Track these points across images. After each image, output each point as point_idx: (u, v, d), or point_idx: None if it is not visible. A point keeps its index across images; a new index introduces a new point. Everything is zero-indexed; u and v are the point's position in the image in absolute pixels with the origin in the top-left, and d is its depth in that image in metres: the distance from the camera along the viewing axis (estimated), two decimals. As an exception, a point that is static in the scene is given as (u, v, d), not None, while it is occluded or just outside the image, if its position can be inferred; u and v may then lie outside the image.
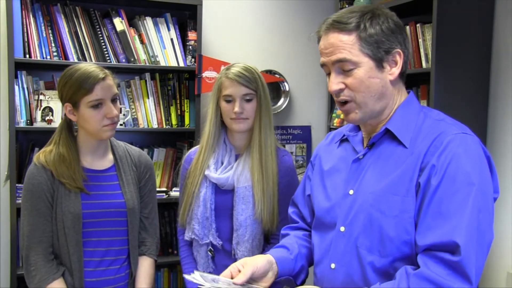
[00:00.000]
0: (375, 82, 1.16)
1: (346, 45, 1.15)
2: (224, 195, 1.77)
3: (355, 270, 1.18)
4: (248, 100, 1.73)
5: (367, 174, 1.21)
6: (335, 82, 1.18)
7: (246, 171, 1.74)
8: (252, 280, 1.24)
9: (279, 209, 1.74)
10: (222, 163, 1.78)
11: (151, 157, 2.74)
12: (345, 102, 1.20)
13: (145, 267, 1.76)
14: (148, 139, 2.93)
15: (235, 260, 1.71)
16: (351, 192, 1.22)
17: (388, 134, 1.20)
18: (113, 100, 1.63)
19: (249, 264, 1.25)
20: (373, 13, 1.17)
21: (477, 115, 2.30)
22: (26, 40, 2.47)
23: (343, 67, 1.17)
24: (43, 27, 2.52)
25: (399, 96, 1.23)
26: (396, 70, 1.18)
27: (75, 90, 1.58)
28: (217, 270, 1.74)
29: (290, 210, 1.51)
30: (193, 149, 1.91)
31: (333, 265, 1.24)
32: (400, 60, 1.17)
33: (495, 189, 1.15)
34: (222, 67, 2.76)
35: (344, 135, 1.35)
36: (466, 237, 1.03)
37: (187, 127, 2.80)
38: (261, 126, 1.74)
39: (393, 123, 1.19)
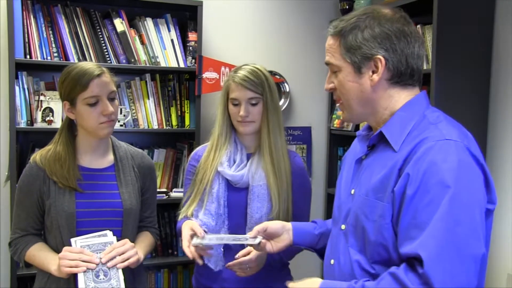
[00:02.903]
0: (354, 86, 1.20)
1: (331, 48, 1.22)
2: (237, 192, 1.77)
3: (347, 267, 1.22)
4: (254, 104, 1.74)
5: (362, 176, 1.24)
6: (327, 82, 1.27)
7: (260, 170, 1.76)
8: (267, 237, 1.49)
9: (293, 210, 1.77)
10: (234, 161, 1.80)
11: (151, 158, 2.74)
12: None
13: (143, 234, 1.80)
14: (148, 139, 2.93)
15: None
16: (352, 191, 1.26)
17: (383, 137, 1.21)
18: (111, 98, 1.63)
19: (265, 222, 1.52)
20: (362, 17, 1.18)
21: (478, 116, 2.30)
22: (26, 40, 2.48)
23: (331, 69, 1.25)
24: (43, 28, 2.52)
25: (394, 101, 1.21)
26: (376, 77, 1.17)
27: (71, 87, 1.59)
28: (226, 268, 1.75)
29: None
30: (200, 147, 1.92)
31: (332, 261, 1.28)
32: (381, 67, 1.16)
33: (490, 200, 1.11)
34: (223, 68, 2.78)
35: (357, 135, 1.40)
36: (432, 250, 1.01)
37: (187, 128, 2.80)
38: (269, 128, 1.76)
39: (388, 126, 1.20)
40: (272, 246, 1.50)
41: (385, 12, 1.20)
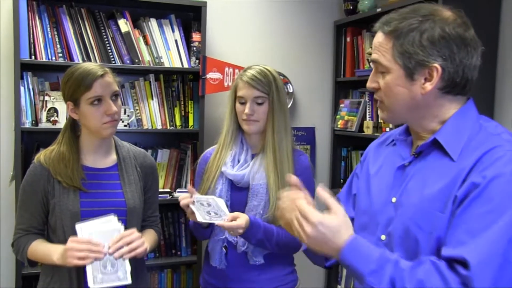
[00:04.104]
0: (402, 91, 1.12)
1: (382, 47, 1.13)
2: (239, 192, 1.78)
3: None
4: (260, 103, 1.76)
5: (410, 184, 1.16)
6: (371, 80, 1.18)
7: (262, 170, 1.77)
8: None
9: None
10: (238, 161, 1.81)
11: (155, 158, 2.75)
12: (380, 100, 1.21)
13: (147, 230, 1.80)
14: (152, 140, 2.94)
15: (246, 256, 1.75)
16: (393, 200, 1.18)
17: (437, 145, 1.13)
18: (114, 98, 1.64)
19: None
20: (422, 19, 1.09)
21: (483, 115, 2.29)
22: (32, 41, 2.49)
23: (378, 68, 1.15)
24: (48, 29, 2.54)
25: (444, 109, 1.14)
26: (429, 86, 1.09)
27: (75, 87, 1.60)
28: (230, 267, 1.77)
29: None
30: (210, 148, 1.95)
31: None
32: (436, 76, 1.08)
33: None
34: (227, 69, 2.79)
35: (393, 139, 1.30)
36: (482, 259, 0.97)
37: (191, 128, 2.81)
38: (274, 128, 1.77)
39: (443, 133, 1.12)
40: None
41: (447, 15, 1.10)
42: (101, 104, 1.61)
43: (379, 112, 1.23)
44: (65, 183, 1.61)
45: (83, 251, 1.48)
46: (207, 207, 1.65)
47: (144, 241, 1.59)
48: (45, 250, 1.60)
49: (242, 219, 1.63)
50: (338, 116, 3.18)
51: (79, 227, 1.54)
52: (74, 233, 1.59)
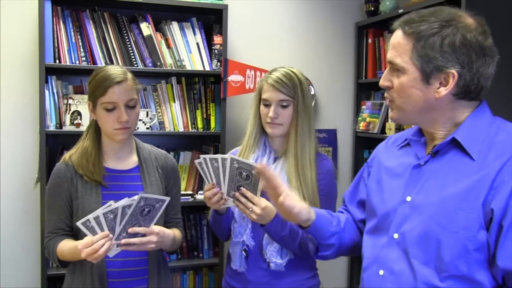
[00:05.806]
0: (416, 94, 1.13)
1: (401, 48, 1.13)
2: (261, 196, 1.76)
3: (406, 280, 1.15)
4: (284, 106, 1.74)
5: (428, 183, 1.16)
6: (385, 78, 1.19)
7: (284, 174, 1.75)
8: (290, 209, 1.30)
9: None
10: None
11: (177, 161, 2.76)
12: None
13: (173, 228, 1.77)
14: (174, 142, 2.96)
15: (266, 261, 1.73)
16: (408, 198, 1.18)
17: (455, 144, 1.14)
18: (130, 106, 1.65)
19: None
20: (445, 24, 1.09)
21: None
22: (56, 45, 2.53)
23: (393, 67, 1.16)
24: (72, 33, 2.58)
25: (457, 113, 1.16)
26: (443, 90, 1.10)
27: (93, 90, 1.64)
28: (250, 271, 1.76)
29: (341, 208, 1.53)
30: (233, 149, 1.95)
31: (381, 272, 1.21)
32: (452, 82, 1.09)
33: None
34: (248, 71, 2.79)
35: (406, 140, 1.30)
36: None
37: (213, 130, 2.82)
38: (298, 132, 1.75)
39: (461, 133, 1.13)
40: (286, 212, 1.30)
41: (470, 23, 1.11)
42: (115, 110, 1.62)
43: (389, 111, 1.24)
44: (87, 176, 1.64)
45: (97, 251, 1.44)
46: (243, 180, 1.59)
47: (153, 245, 1.57)
48: (71, 247, 1.60)
49: (264, 201, 1.59)
50: (360, 118, 3.15)
51: (92, 217, 1.46)
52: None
